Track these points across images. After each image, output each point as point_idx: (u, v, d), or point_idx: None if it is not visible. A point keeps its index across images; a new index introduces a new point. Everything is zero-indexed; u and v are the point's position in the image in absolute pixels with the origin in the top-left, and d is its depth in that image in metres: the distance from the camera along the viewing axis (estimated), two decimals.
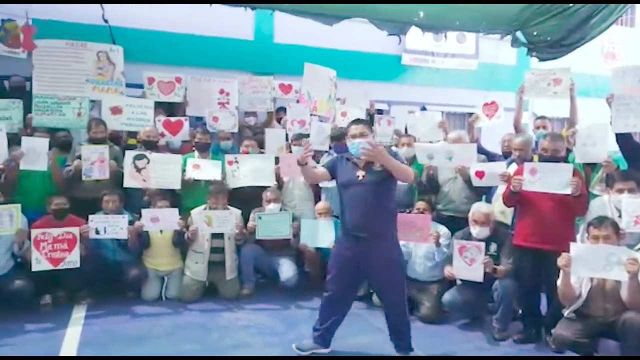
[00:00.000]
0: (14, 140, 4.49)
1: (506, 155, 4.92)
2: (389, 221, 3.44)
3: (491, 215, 4.17)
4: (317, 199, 5.22)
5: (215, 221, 4.57)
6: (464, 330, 4.19)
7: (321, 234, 4.68)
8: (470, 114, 5.46)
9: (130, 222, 4.48)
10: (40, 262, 4.09)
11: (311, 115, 5.75)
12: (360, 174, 3.37)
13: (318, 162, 5.30)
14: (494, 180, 4.29)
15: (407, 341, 3.51)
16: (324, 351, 3.60)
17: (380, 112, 6.66)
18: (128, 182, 4.71)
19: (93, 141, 4.78)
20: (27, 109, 4.91)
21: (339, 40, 7.24)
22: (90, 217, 4.34)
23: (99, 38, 5.68)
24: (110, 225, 4.38)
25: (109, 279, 4.59)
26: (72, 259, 4.19)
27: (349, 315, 3.64)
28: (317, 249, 4.75)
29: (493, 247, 4.13)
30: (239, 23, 6.77)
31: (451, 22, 6.07)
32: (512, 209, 4.28)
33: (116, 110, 5.17)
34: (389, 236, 3.44)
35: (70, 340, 3.72)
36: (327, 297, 3.56)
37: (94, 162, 4.58)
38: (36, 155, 4.40)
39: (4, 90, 5.40)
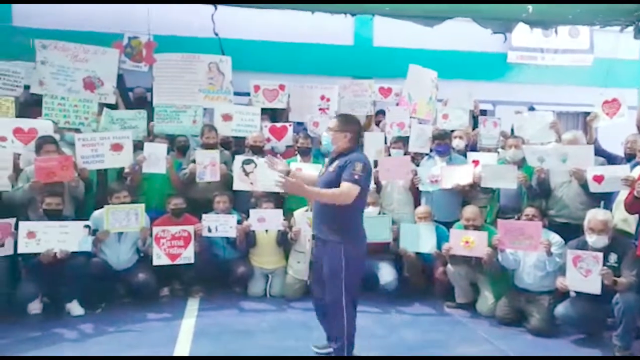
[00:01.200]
0: (138, 147, 4.97)
1: (629, 157, 4.50)
2: (336, 221, 3.23)
3: (610, 223, 3.84)
4: (417, 203, 5.15)
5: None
6: (579, 346, 3.90)
7: (422, 238, 4.62)
8: (586, 114, 5.07)
9: (239, 222, 4.74)
10: (160, 257, 4.48)
11: (411, 117, 5.69)
12: (322, 171, 3.46)
13: (418, 165, 5.26)
14: (614, 184, 3.95)
15: (340, 347, 3.31)
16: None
17: (484, 112, 6.42)
18: (237, 185, 4.99)
19: (205, 146, 5.14)
20: (149, 118, 5.40)
21: (439, 41, 7.06)
22: (204, 216, 4.67)
23: (210, 50, 6.08)
24: (221, 224, 4.68)
25: (219, 275, 4.91)
26: (187, 255, 4.53)
27: (451, 323, 3.55)
28: (417, 253, 4.69)
29: (613, 257, 3.80)
30: (339, 29, 6.87)
31: (563, 16, 5.67)
32: (637, 216, 3.90)
33: (227, 117, 5.52)
34: (334, 239, 3.24)
35: (186, 330, 4.02)
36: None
37: (206, 165, 4.91)
38: (157, 159, 4.84)
39: (129, 100, 5.98)
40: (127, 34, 5.78)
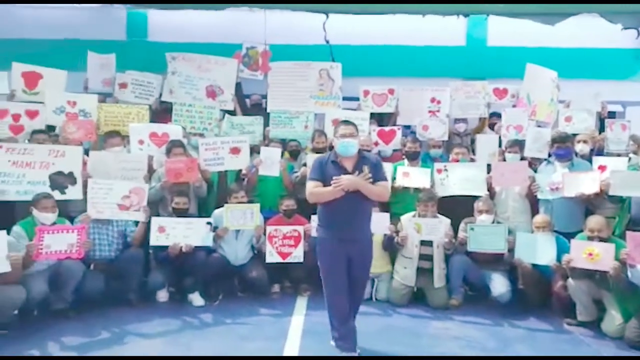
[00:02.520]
0: (254, 150, 5.28)
1: None
2: (369, 222, 3.62)
3: None
4: (534, 211, 4.85)
5: (424, 228, 4.63)
6: None
7: (539, 249, 4.34)
8: None
9: None
10: (272, 255, 4.71)
11: (530, 120, 5.38)
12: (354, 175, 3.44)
13: (536, 171, 4.96)
14: None
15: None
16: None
17: (613, 114, 5.87)
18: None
19: (316, 151, 5.30)
20: (265, 123, 5.70)
21: (560, 38, 6.60)
22: (313, 217, 4.80)
23: (321, 57, 6.29)
24: None
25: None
26: (297, 254, 4.71)
27: (572, 342, 3.30)
28: (534, 265, 4.41)
29: None
30: (450, 30, 6.71)
31: None
32: None
33: (336, 122, 5.61)
34: (368, 237, 3.62)
35: (295, 327, 4.17)
36: (324, 286, 3.64)
37: None
38: (271, 162, 5.10)
39: (245, 107, 6.37)
40: (246, 45, 6.17)
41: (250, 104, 6.42)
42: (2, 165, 4.33)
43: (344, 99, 6.06)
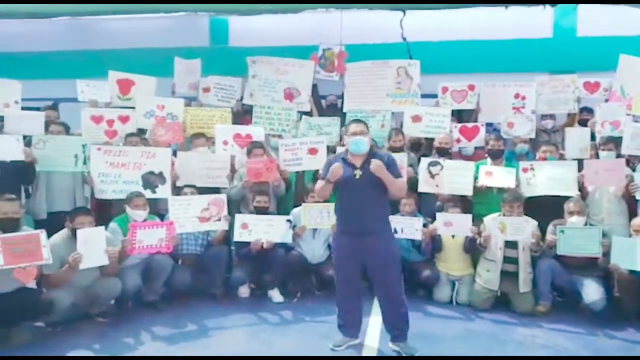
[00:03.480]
0: (331, 151, 5.30)
1: None
2: (384, 217, 3.62)
3: None
4: (632, 213, 4.48)
5: (509, 228, 4.42)
6: None
7: (638, 254, 3.99)
8: None
9: (424, 225, 4.73)
10: None
11: (626, 115, 4.97)
12: (358, 173, 3.46)
13: (634, 170, 4.57)
14: None
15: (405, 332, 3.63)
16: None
17: None
18: (422, 187, 4.98)
19: (392, 149, 5.23)
20: (341, 124, 5.73)
21: None
22: (390, 217, 4.75)
23: (397, 55, 6.21)
24: (406, 226, 4.71)
25: (404, 277, 4.93)
26: None
27: None
28: (632, 271, 4.07)
29: None
30: (536, 21, 6.37)
31: None
32: None
33: (416, 119, 5.55)
34: (385, 231, 3.60)
35: (374, 326, 4.13)
36: (336, 284, 3.73)
37: None
38: None
39: (321, 107, 6.43)
40: (322, 46, 6.23)
41: (325, 105, 6.47)
42: (101, 167, 4.68)
43: (422, 96, 5.94)
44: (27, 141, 4.49)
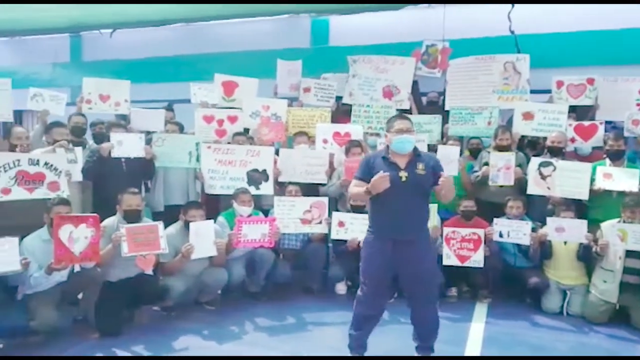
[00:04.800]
0: (431, 149, 5.17)
1: None
2: (425, 223, 3.31)
3: None
4: None
5: (631, 236, 4.03)
6: None
7: None
8: None
9: (534, 230, 4.47)
10: (449, 258, 4.56)
11: None
12: (403, 175, 3.13)
13: None
14: None
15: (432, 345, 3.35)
16: None
17: None
18: (532, 189, 4.69)
19: (499, 148, 4.99)
20: (443, 121, 5.57)
21: None
22: (495, 220, 4.55)
23: (505, 49, 5.89)
24: (513, 230, 4.48)
25: (509, 283, 4.71)
26: (477, 259, 4.49)
27: None
28: None
29: None
30: None
31: None
32: None
33: (528, 116, 5.21)
34: (426, 239, 3.30)
35: (475, 334, 3.99)
36: (361, 296, 3.30)
37: (500, 168, 4.77)
38: (449, 161, 4.89)
39: (421, 104, 6.29)
40: (426, 42, 6.10)
41: (426, 102, 6.32)
42: (210, 164, 4.97)
43: (532, 92, 5.58)
44: (147, 140, 4.89)
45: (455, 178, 5.00)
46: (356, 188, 3.24)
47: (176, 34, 7.89)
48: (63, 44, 8.56)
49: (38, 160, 4.06)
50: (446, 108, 5.76)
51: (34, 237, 3.72)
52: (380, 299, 3.32)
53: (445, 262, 4.55)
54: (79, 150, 4.50)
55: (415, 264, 3.17)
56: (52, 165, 4.11)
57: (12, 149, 4.33)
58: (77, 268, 3.84)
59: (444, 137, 5.50)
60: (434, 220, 4.62)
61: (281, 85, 6.20)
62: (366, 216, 4.57)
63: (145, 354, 3.61)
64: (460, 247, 4.54)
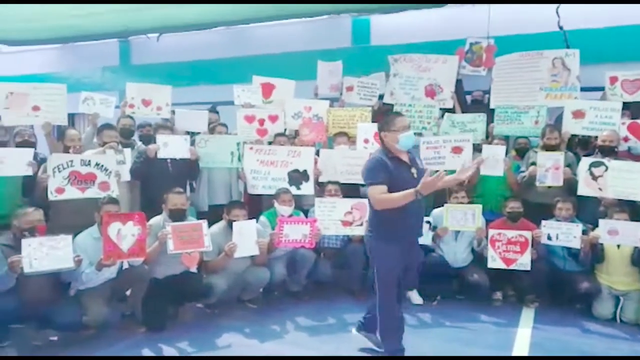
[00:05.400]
0: (476, 149, 5.06)
1: None
2: None
3: None
4: None
5: None
6: None
7: None
8: None
9: (584, 232, 4.29)
10: (495, 260, 4.44)
11: None
12: (414, 171, 3.21)
13: None
14: None
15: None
16: None
17: None
18: (582, 190, 4.51)
19: (547, 147, 4.83)
20: (488, 120, 5.43)
21: None
22: (543, 222, 4.40)
23: (553, 45, 5.68)
24: (563, 233, 4.33)
25: (557, 288, 4.54)
26: (524, 262, 4.36)
27: None
28: None
29: None
30: None
31: None
32: None
33: (578, 114, 5.00)
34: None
35: (522, 340, 3.87)
36: (388, 301, 3.27)
37: (548, 168, 4.62)
38: (494, 161, 4.82)
39: (465, 103, 6.15)
40: (470, 40, 5.98)
41: (470, 100, 6.18)
42: (253, 164, 5.03)
43: (582, 89, 5.36)
44: (192, 141, 5.00)
45: (501, 178, 4.90)
46: (402, 194, 3.06)
47: (219, 37, 8.03)
48: (112, 49, 8.88)
49: (89, 161, 4.24)
50: (491, 106, 5.61)
51: (86, 235, 3.87)
52: (398, 294, 3.34)
53: (490, 264, 4.45)
54: (127, 151, 4.66)
55: (415, 257, 3.45)
56: (102, 166, 4.27)
57: (66, 150, 4.51)
58: (125, 265, 3.98)
59: (489, 137, 5.35)
60: (478, 221, 4.52)
61: (321, 86, 6.21)
62: None
63: (189, 350, 3.69)
64: (506, 249, 4.42)
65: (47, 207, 4.05)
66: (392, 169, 3.15)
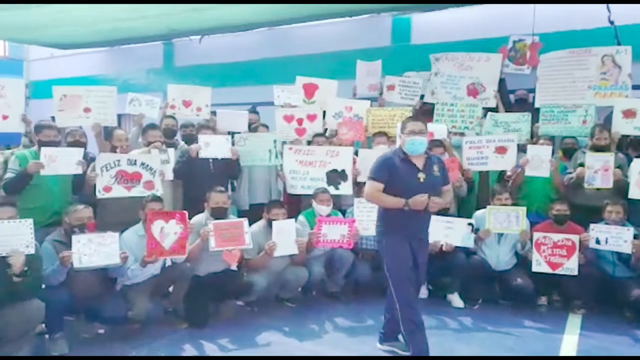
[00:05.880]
0: (520, 149, 4.92)
1: None
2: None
3: None
4: None
5: None
6: None
7: None
8: None
9: (635, 237, 4.12)
10: (540, 264, 4.32)
11: None
12: (421, 176, 3.28)
13: None
14: None
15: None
16: None
17: None
18: (634, 193, 4.33)
19: (596, 148, 4.65)
20: (533, 119, 5.26)
21: None
22: (592, 226, 4.26)
23: (603, 42, 5.45)
24: (613, 237, 4.17)
25: (607, 294, 4.36)
26: (570, 266, 4.22)
27: None
28: None
29: None
30: None
31: None
32: None
33: (629, 114, 4.78)
34: (427, 239, 3.61)
35: (568, 347, 3.74)
36: (407, 296, 3.35)
37: (597, 170, 4.45)
38: (540, 162, 4.67)
39: (509, 102, 5.99)
40: (513, 38, 5.82)
41: (514, 100, 6.01)
42: (292, 165, 5.06)
43: (634, 87, 5.12)
44: (232, 141, 5.07)
45: (547, 179, 4.75)
46: (390, 198, 3.29)
47: (259, 38, 8.12)
48: (157, 52, 9.13)
49: (135, 161, 4.38)
50: (536, 105, 5.44)
51: (131, 232, 4.00)
52: (412, 288, 3.45)
53: (535, 268, 4.33)
54: (171, 151, 4.78)
55: (422, 257, 3.47)
56: (147, 165, 4.40)
57: (113, 150, 4.67)
58: (168, 262, 4.08)
59: (534, 137, 5.19)
60: (522, 224, 4.40)
61: (360, 85, 6.18)
62: (450, 219, 4.52)
63: (230, 347, 3.75)
64: (551, 253, 4.29)
65: (96, 204, 4.20)
66: (398, 169, 3.31)
